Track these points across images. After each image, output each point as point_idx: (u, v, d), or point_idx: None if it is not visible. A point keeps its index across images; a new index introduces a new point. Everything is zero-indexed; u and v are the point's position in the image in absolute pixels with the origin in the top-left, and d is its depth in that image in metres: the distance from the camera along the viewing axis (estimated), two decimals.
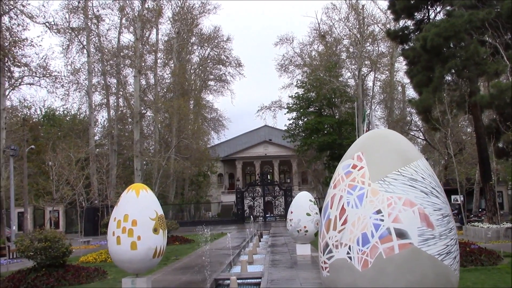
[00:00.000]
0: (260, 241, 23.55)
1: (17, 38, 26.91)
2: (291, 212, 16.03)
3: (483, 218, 24.94)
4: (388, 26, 54.17)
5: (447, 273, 3.59)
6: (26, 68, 32.25)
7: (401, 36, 23.18)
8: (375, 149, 3.86)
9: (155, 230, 8.98)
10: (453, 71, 19.51)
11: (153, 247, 8.92)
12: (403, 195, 3.61)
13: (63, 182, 22.37)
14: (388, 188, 3.65)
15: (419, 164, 3.81)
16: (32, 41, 27.99)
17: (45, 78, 33.24)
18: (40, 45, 55.00)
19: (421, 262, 3.48)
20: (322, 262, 3.89)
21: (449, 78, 21.09)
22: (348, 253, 3.63)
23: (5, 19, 29.68)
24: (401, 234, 3.50)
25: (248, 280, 11.01)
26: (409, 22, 23.62)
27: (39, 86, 33.74)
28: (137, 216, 8.86)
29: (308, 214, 15.62)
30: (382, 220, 3.55)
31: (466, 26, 18.34)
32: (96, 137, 53.49)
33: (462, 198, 24.78)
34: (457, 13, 18.91)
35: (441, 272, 3.55)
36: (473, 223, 22.11)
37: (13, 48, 26.14)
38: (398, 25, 26.65)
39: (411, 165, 3.76)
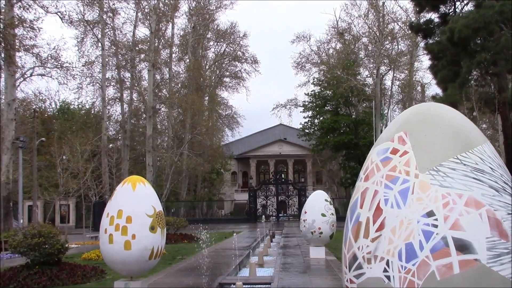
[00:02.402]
0: (272, 241, 22.54)
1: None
2: (305, 212, 14.98)
3: None
4: (408, 24, 53.04)
5: None
6: (37, 59, 31.65)
7: (425, 29, 21.97)
8: (424, 128, 2.82)
9: (152, 228, 7.99)
10: (481, 65, 18.27)
11: (149, 247, 7.93)
12: (465, 192, 2.57)
13: (68, 175, 21.60)
14: (444, 181, 2.61)
15: (485, 150, 2.77)
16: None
17: (56, 69, 32.57)
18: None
19: (492, 286, 2.45)
20: (347, 281, 2.86)
21: (477, 74, 19.82)
22: (385, 270, 2.60)
23: (16, 10, 29.10)
24: (463, 247, 2.47)
25: (256, 286, 10.01)
26: (434, 16, 22.43)
27: (50, 77, 32.91)
28: (132, 212, 7.88)
29: (323, 215, 14.56)
30: (436, 226, 2.52)
31: (496, 18, 17.12)
32: (110, 132, 53.00)
33: None
34: (487, 4, 17.67)
35: None
36: None
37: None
38: (420, 19, 25.48)
39: (474, 151, 2.72)
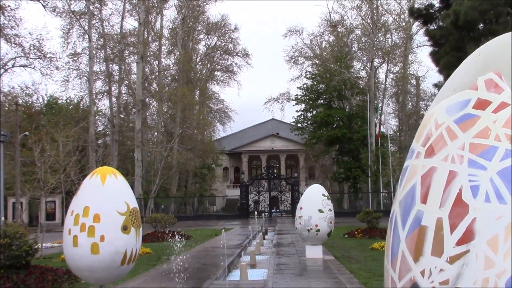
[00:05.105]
0: (264, 238, 21.41)
1: None
2: (301, 208, 13.80)
3: None
4: (402, 16, 52.06)
5: None
6: (19, 49, 30.37)
7: (426, 15, 20.83)
8: None
9: (125, 229, 6.75)
10: None
11: (121, 251, 6.69)
12: None
13: (47, 169, 20.33)
14: None
15: None
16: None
17: (39, 60, 31.25)
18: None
19: None
20: None
21: None
22: None
23: None
24: None
25: None
26: (435, 1, 21.31)
27: (33, 68, 31.57)
28: (100, 209, 6.62)
29: (320, 211, 13.40)
30: None
31: None
32: (99, 128, 51.61)
33: None
34: None
35: None
36: None
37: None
38: (417, 5, 24.38)
39: None
